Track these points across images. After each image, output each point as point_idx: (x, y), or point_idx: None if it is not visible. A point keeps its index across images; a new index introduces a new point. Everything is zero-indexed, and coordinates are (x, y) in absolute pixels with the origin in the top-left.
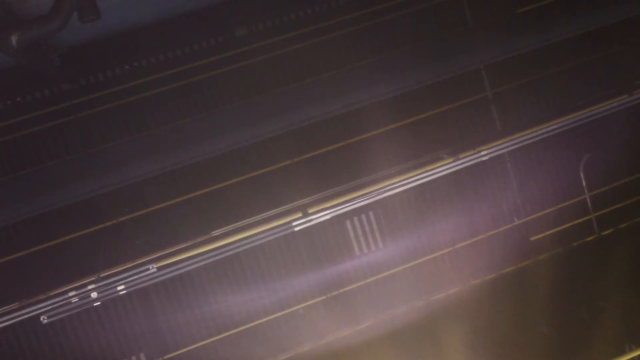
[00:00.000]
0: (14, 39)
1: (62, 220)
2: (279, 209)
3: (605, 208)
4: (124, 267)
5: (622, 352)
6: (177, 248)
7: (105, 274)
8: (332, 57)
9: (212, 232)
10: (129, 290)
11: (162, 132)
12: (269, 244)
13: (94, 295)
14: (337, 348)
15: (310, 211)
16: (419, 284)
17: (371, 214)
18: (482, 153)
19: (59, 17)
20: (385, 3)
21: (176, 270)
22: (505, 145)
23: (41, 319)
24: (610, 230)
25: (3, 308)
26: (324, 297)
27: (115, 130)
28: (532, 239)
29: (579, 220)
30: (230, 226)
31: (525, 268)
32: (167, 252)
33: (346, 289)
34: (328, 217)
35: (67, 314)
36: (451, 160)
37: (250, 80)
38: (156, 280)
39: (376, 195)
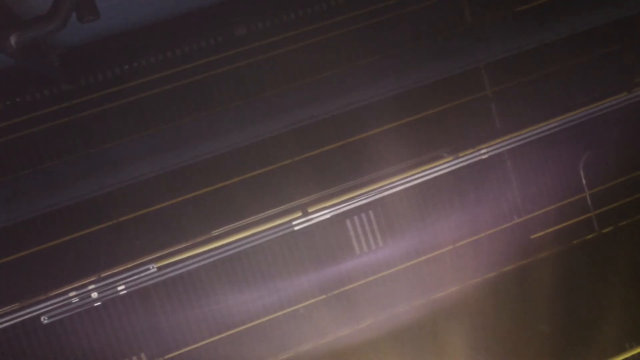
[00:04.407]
0: (13, 39)
1: (62, 221)
2: (279, 208)
3: (606, 206)
4: (125, 267)
5: (623, 350)
6: (178, 248)
7: (106, 274)
8: (331, 56)
9: (212, 232)
10: (130, 290)
11: (162, 132)
12: (269, 243)
13: (94, 295)
14: (338, 347)
15: (310, 210)
16: (419, 283)
17: (371, 212)
18: (482, 151)
19: (58, 17)
20: (384, 2)
21: (176, 270)
22: (505, 143)
23: (42, 319)
24: (610, 228)
25: (4, 308)
26: (324, 296)
27: (115, 130)
28: (532, 237)
29: (579, 218)
30: (230, 226)
31: (526, 266)
32: (167, 252)
33: (346, 288)
34: (328, 216)
35: (68, 314)
36: (451, 158)
37: (250, 79)
38: (156, 280)
39: (376, 194)
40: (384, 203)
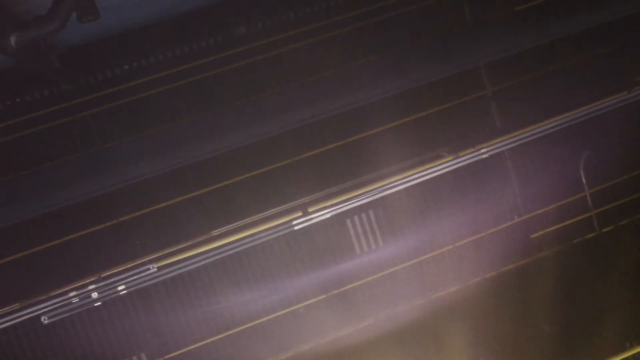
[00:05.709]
0: (12, 39)
1: (63, 221)
2: (279, 208)
3: (606, 205)
4: (125, 267)
5: (623, 350)
6: (178, 247)
7: (106, 274)
8: (331, 56)
9: (213, 232)
10: (130, 290)
11: (163, 131)
12: (269, 243)
13: (94, 295)
14: (338, 347)
15: (310, 210)
16: (420, 283)
17: (371, 212)
18: (482, 151)
19: (57, 18)
20: (384, 2)
21: (177, 269)
22: (505, 143)
23: (42, 320)
24: (610, 228)
25: (4, 308)
26: (324, 296)
27: (116, 130)
28: (532, 236)
29: (580, 218)
30: (230, 225)
31: (526, 266)
32: (167, 251)
33: (347, 287)
34: (328, 215)
35: (68, 314)
36: (451, 158)
37: (250, 79)
38: (156, 280)
39: (376, 194)
40: (384, 203)
